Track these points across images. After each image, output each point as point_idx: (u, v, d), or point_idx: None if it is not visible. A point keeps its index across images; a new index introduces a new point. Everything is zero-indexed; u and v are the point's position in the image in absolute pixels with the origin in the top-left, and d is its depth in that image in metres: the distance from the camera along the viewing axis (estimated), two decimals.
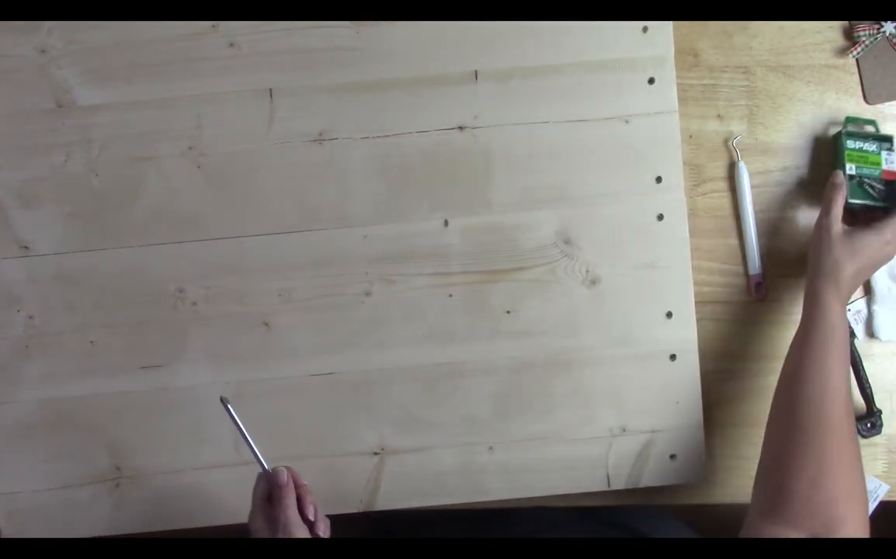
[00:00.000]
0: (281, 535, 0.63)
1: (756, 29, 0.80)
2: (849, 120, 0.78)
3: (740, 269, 0.80)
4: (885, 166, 0.76)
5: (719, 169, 0.80)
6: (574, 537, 0.73)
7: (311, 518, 0.65)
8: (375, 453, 0.80)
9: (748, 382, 0.80)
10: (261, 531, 0.64)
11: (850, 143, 0.77)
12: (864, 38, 0.78)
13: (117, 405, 0.80)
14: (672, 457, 0.79)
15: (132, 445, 0.80)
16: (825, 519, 0.60)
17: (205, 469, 0.80)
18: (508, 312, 0.79)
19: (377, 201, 0.79)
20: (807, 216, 0.80)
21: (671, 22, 0.78)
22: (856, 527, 0.60)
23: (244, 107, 0.79)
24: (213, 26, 0.78)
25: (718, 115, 0.80)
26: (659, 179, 0.78)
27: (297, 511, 0.63)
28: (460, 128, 0.79)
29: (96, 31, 0.78)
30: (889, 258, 0.73)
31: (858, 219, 0.75)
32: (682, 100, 0.79)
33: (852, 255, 0.71)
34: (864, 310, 0.80)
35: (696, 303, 0.79)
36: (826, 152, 0.79)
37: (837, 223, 0.73)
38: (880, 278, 0.78)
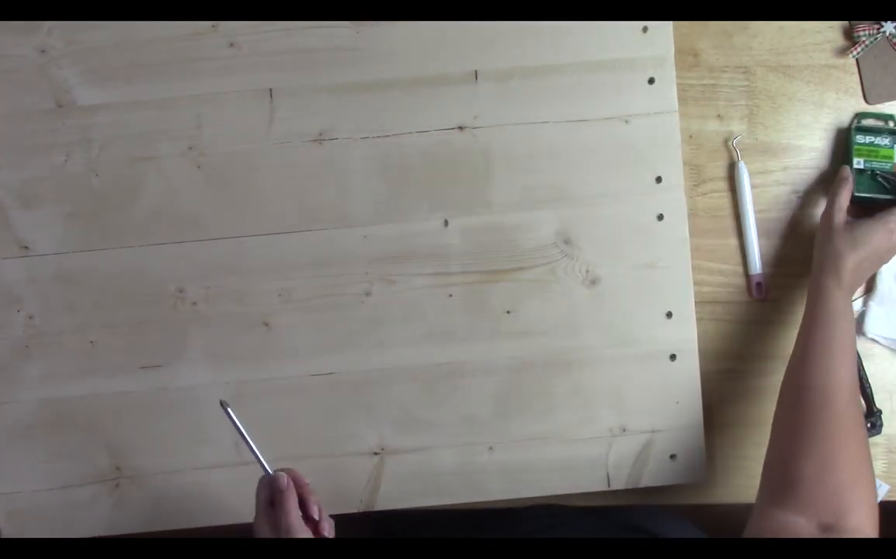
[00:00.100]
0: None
1: (756, 29, 0.80)
2: (862, 115, 0.78)
3: (740, 269, 0.80)
4: None
5: (719, 169, 0.80)
6: (586, 537, 0.73)
7: (316, 517, 0.65)
8: (375, 453, 0.80)
9: (748, 382, 0.80)
10: (264, 535, 0.64)
11: (860, 138, 0.77)
12: (864, 38, 0.78)
13: (117, 405, 0.80)
14: (672, 457, 0.79)
15: (132, 445, 0.80)
16: (833, 505, 0.60)
17: (205, 469, 0.80)
18: (508, 312, 0.79)
19: (377, 201, 0.79)
20: (807, 215, 0.80)
21: (671, 22, 0.78)
22: (864, 514, 0.61)
23: (244, 107, 0.79)
24: (213, 26, 0.78)
25: (718, 115, 0.80)
26: (659, 179, 0.78)
27: (299, 514, 0.63)
28: (460, 128, 0.79)
29: (96, 31, 0.78)
30: (894, 250, 0.73)
31: (868, 213, 0.75)
32: (682, 100, 0.79)
33: (853, 245, 0.71)
34: (861, 307, 0.80)
35: (696, 303, 0.79)
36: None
37: (840, 214, 0.73)
38: (885, 278, 0.78)
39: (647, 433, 0.79)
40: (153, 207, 0.79)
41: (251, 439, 0.66)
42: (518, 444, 0.80)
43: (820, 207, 0.79)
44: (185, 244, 0.79)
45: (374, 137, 0.79)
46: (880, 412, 0.79)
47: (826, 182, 0.80)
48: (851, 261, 0.70)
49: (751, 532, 0.62)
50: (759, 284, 0.80)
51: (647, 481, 0.80)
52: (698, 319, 0.79)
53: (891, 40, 0.77)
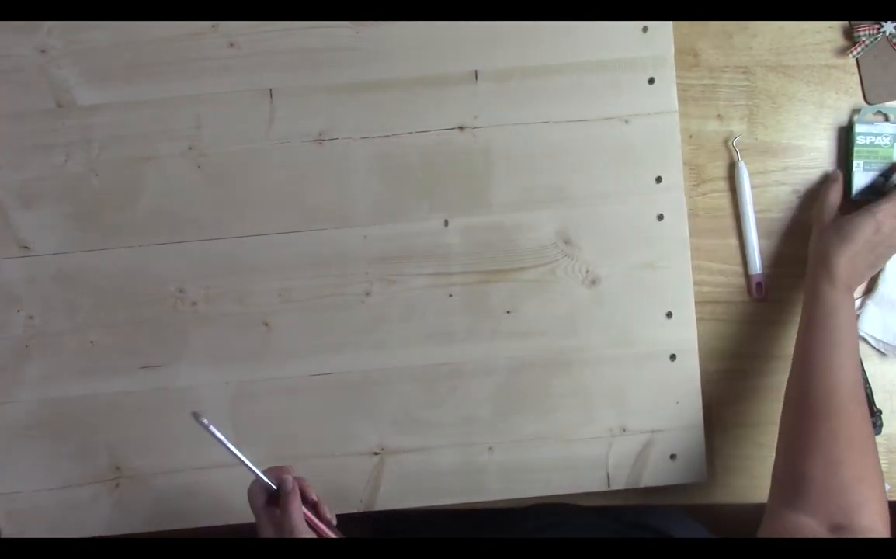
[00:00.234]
0: None
1: (756, 29, 0.80)
2: (861, 112, 0.78)
3: (740, 269, 0.80)
4: None
5: (719, 169, 0.80)
6: (592, 537, 0.73)
7: (329, 516, 0.65)
8: (375, 453, 0.80)
9: (748, 382, 0.80)
10: (268, 536, 0.64)
11: (861, 139, 0.77)
12: (864, 38, 0.78)
13: (117, 405, 0.80)
14: (672, 457, 0.79)
15: (132, 445, 0.80)
16: (842, 504, 0.60)
17: (205, 469, 0.80)
18: (508, 312, 0.79)
19: (377, 201, 0.79)
20: (807, 215, 0.80)
21: (671, 22, 0.78)
22: (874, 511, 0.61)
23: (244, 107, 0.79)
24: (213, 26, 0.78)
25: (718, 115, 0.80)
26: (659, 179, 0.78)
27: (302, 516, 0.63)
28: (460, 128, 0.79)
29: (96, 31, 0.78)
30: (893, 244, 0.72)
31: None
32: (682, 100, 0.79)
33: (842, 241, 0.71)
34: (860, 305, 0.80)
35: (696, 303, 0.79)
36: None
37: (830, 213, 0.74)
38: (889, 279, 0.78)
39: (647, 433, 0.79)
40: (153, 207, 0.79)
41: (233, 445, 0.62)
42: (518, 444, 0.80)
43: None
44: (185, 244, 0.79)
45: (374, 137, 0.79)
46: (880, 412, 0.79)
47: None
48: (842, 257, 0.70)
49: (763, 534, 0.62)
50: (759, 284, 0.80)
51: (647, 481, 0.80)
52: (698, 319, 0.79)
53: (891, 40, 0.77)
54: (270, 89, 0.79)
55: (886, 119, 0.78)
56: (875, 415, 0.78)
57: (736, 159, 0.80)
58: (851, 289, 0.71)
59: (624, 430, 0.79)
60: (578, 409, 0.79)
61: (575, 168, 0.79)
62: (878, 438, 0.79)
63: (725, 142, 0.80)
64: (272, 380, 0.80)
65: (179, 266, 0.79)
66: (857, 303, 0.80)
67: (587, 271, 0.79)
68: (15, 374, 0.80)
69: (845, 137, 0.79)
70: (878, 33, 0.77)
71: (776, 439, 0.69)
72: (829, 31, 0.79)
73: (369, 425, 0.80)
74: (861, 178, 0.77)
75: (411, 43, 0.78)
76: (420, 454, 0.80)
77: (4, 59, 0.79)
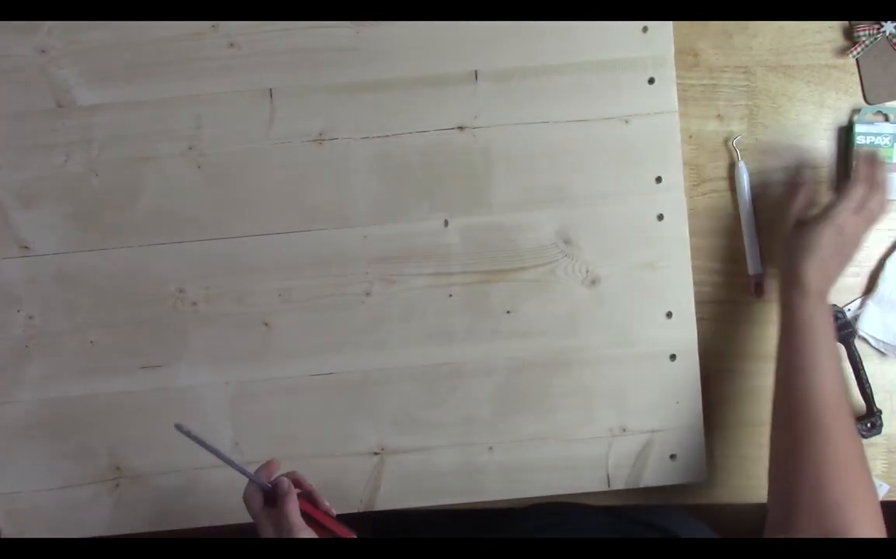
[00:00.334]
0: None
1: (756, 29, 0.80)
2: (860, 112, 0.78)
3: (740, 268, 0.80)
4: None
5: (719, 169, 0.80)
6: (601, 537, 0.73)
7: (327, 506, 0.65)
8: (375, 453, 0.80)
9: (748, 382, 0.80)
10: (268, 537, 0.64)
11: (861, 139, 0.77)
12: (864, 38, 0.78)
13: (117, 405, 0.80)
14: (672, 457, 0.79)
15: (132, 445, 0.80)
16: (833, 524, 0.60)
17: (205, 469, 0.80)
18: (508, 312, 0.79)
19: (377, 201, 0.79)
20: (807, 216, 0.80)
21: (671, 22, 0.78)
22: (867, 529, 0.60)
23: (244, 107, 0.79)
24: (213, 26, 0.78)
25: (718, 115, 0.80)
26: (659, 179, 0.79)
27: (300, 515, 0.63)
28: (460, 128, 0.79)
29: (96, 31, 0.78)
30: (857, 243, 0.71)
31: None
32: (682, 100, 0.79)
33: (805, 251, 0.70)
34: (860, 304, 0.80)
35: (696, 303, 0.79)
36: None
37: (791, 222, 0.73)
38: (888, 278, 0.78)
39: (647, 433, 0.79)
40: (153, 207, 0.79)
41: (224, 451, 0.63)
42: (518, 444, 0.80)
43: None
44: (185, 244, 0.79)
45: (374, 137, 0.79)
46: (880, 412, 0.79)
47: (827, 182, 0.80)
48: (810, 267, 0.69)
49: None
50: (758, 284, 0.80)
51: (647, 481, 0.80)
52: (698, 319, 0.79)
53: (891, 40, 0.77)
54: (270, 89, 0.79)
55: (886, 119, 0.78)
56: (875, 415, 0.78)
57: (736, 159, 0.80)
58: (825, 296, 0.70)
59: (624, 430, 0.79)
60: (578, 409, 0.79)
61: (575, 168, 0.79)
62: (878, 438, 0.79)
63: (725, 142, 0.80)
64: (272, 380, 0.80)
65: (179, 266, 0.79)
66: (857, 303, 0.80)
67: (587, 271, 0.79)
68: (15, 374, 0.80)
69: (845, 137, 0.79)
70: (878, 33, 0.77)
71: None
72: (829, 31, 0.79)
73: (369, 425, 0.80)
74: None
75: (411, 43, 0.78)
76: (420, 454, 0.80)
77: (4, 59, 0.79)
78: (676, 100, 0.78)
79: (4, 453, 0.80)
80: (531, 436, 0.79)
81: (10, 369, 0.80)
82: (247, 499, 0.65)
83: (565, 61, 0.78)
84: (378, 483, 0.80)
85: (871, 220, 0.72)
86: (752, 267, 0.79)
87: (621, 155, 0.78)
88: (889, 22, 0.77)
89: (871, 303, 0.79)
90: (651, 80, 0.78)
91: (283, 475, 0.66)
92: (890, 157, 0.77)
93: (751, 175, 0.79)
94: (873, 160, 0.72)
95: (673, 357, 0.79)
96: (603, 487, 0.80)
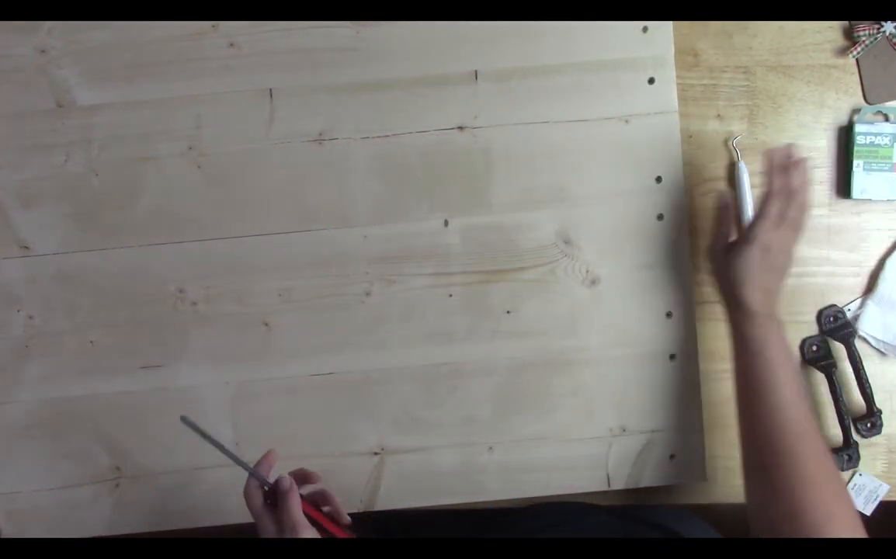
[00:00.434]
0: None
1: (756, 29, 0.80)
2: (860, 112, 0.78)
3: None
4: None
5: (719, 169, 0.80)
6: (605, 537, 0.72)
7: (340, 509, 0.65)
8: (375, 453, 0.80)
9: None
10: (270, 536, 0.63)
11: (861, 139, 0.77)
12: (864, 38, 0.78)
13: (117, 405, 0.80)
14: (672, 457, 0.79)
15: (132, 445, 0.80)
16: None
17: (205, 469, 0.80)
18: (508, 312, 0.79)
19: (377, 201, 0.79)
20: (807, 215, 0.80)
21: (671, 22, 0.78)
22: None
23: (244, 107, 0.79)
24: (213, 26, 0.78)
25: (718, 115, 0.80)
26: (659, 179, 0.79)
27: (302, 513, 0.63)
28: (460, 128, 0.79)
29: (96, 31, 0.78)
30: (789, 253, 0.70)
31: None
32: (682, 100, 0.79)
33: (741, 280, 0.69)
34: (859, 304, 0.80)
35: (696, 303, 0.79)
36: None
37: (715, 253, 0.73)
38: (888, 278, 0.78)
39: (647, 433, 0.79)
40: (153, 207, 0.79)
41: (226, 446, 0.63)
42: (518, 444, 0.80)
43: (821, 207, 0.79)
44: (185, 244, 0.79)
45: (374, 137, 0.79)
46: (880, 412, 0.79)
47: (826, 182, 0.80)
48: (747, 292, 0.68)
49: None
50: None
51: (646, 481, 0.80)
52: (698, 319, 0.79)
53: (891, 40, 0.77)
54: (270, 89, 0.79)
55: (886, 119, 0.78)
56: (875, 415, 0.78)
57: (736, 159, 0.80)
58: (773, 312, 0.69)
59: (624, 430, 0.79)
60: (578, 409, 0.79)
61: (575, 168, 0.79)
62: (879, 438, 0.79)
63: (725, 142, 0.80)
64: (272, 380, 0.80)
65: (179, 266, 0.79)
66: (857, 303, 0.80)
67: (587, 271, 0.79)
68: (15, 374, 0.80)
69: (845, 137, 0.79)
70: (878, 33, 0.77)
71: None
72: (829, 31, 0.79)
73: (369, 425, 0.80)
74: (861, 178, 0.77)
75: (411, 43, 0.78)
76: (420, 454, 0.80)
77: (4, 59, 0.79)
78: (676, 100, 0.78)
79: (4, 453, 0.80)
80: (531, 436, 0.79)
81: (10, 369, 0.80)
82: (247, 497, 0.64)
83: (565, 61, 0.78)
84: (378, 483, 0.80)
85: (795, 228, 0.70)
86: None
87: (621, 155, 0.78)
88: (889, 22, 0.77)
89: (871, 303, 0.79)
90: (651, 80, 0.78)
91: (291, 472, 0.66)
92: (890, 157, 0.77)
93: (751, 175, 0.79)
94: (786, 165, 0.69)
95: (673, 357, 0.79)
96: (603, 487, 0.80)
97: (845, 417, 0.78)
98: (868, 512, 0.80)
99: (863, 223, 0.80)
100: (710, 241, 0.74)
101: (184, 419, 0.60)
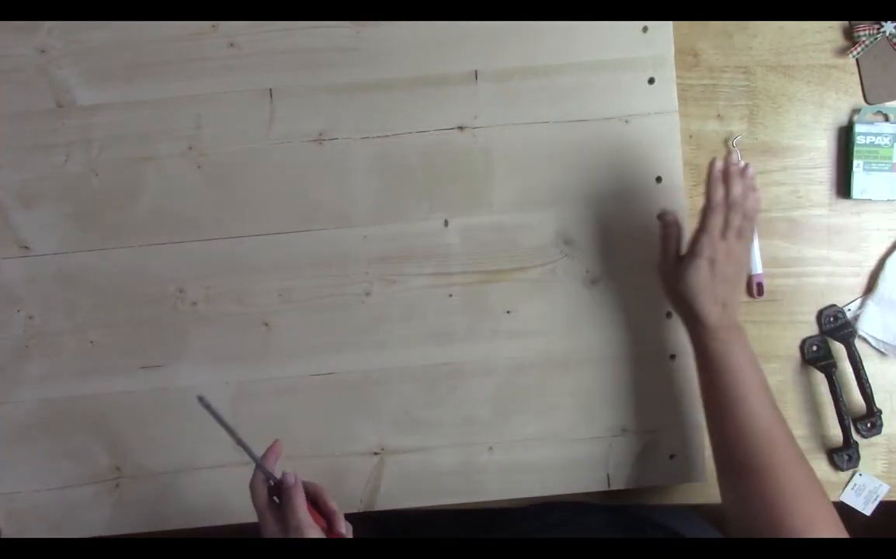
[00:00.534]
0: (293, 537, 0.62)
1: (756, 29, 0.80)
2: (860, 112, 0.78)
3: None
4: None
5: None
6: (603, 538, 0.72)
7: (335, 508, 0.65)
8: (375, 453, 0.80)
9: None
10: (273, 535, 0.63)
11: (861, 139, 0.77)
12: (864, 38, 0.78)
13: (117, 405, 0.80)
14: (672, 457, 0.79)
15: (132, 445, 0.80)
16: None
17: (205, 469, 0.80)
18: (508, 312, 0.79)
19: (377, 201, 0.79)
20: (807, 215, 0.80)
21: (671, 22, 0.78)
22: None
23: (244, 107, 0.79)
24: (213, 26, 0.78)
25: (718, 115, 0.80)
26: (659, 179, 0.79)
27: (307, 512, 0.62)
28: (460, 128, 0.79)
29: (96, 31, 0.78)
30: (739, 262, 0.68)
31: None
32: (682, 100, 0.79)
33: (693, 296, 0.68)
34: (860, 304, 0.80)
35: None
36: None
37: (665, 271, 0.72)
38: (888, 278, 0.78)
39: (647, 433, 0.79)
40: (153, 207, 0.79)
41: (240, 434, 0.62)
42: (518, 444, 0.80)
43: (821, 207, 0.79)
44: (185, 244, 0.79)
45: (374, 137, 0.79)
46: (880, 412, 0.79)
47: (826, 182, 0.80)
48: (702, 306, 0.68)
49: None
50: (759, 284, 0.80)
51: (647, 481, 0.80)
52: None
53: (891, 40, 0.77)
54: (270, 89, 0.79)
55: (886, 119, 0.78)
56: (875, 415, 0.78)
57: (736, 159, 0.79)
58: (733, 322, 0.68)
59: (624, 430, 0.79)
60: (578, 409, 0.79)
61: (575, 168, 0.79)
62: (879, 438, 0.79)
63: (725, 142, 0.80)
64: (272, 380, 0.80)
65: (179, 266, 0.79)
66: (857, 303, 0.80)
67: (587, 271, 0.79)
68: (15, 374, 0.80)
69: (845, 137, 0.79)
70: (878, 33, 0.77)
71: None
72: (829, 31, 0.79)
73: (369, 425, 0.80)
74: (861, 178, 0.77)
75: (411, 43, 0.78)
76: (420, 454, 0.80)
77: (4, 59, 0.79)
78: (676, 100, 0.78)
79: (4, 453, 0.80)
80: (531, 436, 0.79)
81: (10, 369, 0.80)
82: (253, 491, 0.63)
83: (565, 61, 0.78)
84: (378, 483, 0.80)
85: (742, 236, 0.68)
86: (752, 267, 0.79)
87: (621, 155, 0.78)
88: (889, 22, 0.77)
89: (871, 303, 0.79)
90: (651, 80, 0.78)
91: (286, 471, 0.65)
92: (890, 157, 0.77)
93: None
94: (727, 174, 0.68)
95: (673, 357, 0.79)
96: (603, 487, 0.80)
97: (845, 417, 0.78)
98: (868, 512, 0.80)
99: (863, 223, 0.80)
100: (660, 259, 0.74)
101: (201, 399, 0.60)
